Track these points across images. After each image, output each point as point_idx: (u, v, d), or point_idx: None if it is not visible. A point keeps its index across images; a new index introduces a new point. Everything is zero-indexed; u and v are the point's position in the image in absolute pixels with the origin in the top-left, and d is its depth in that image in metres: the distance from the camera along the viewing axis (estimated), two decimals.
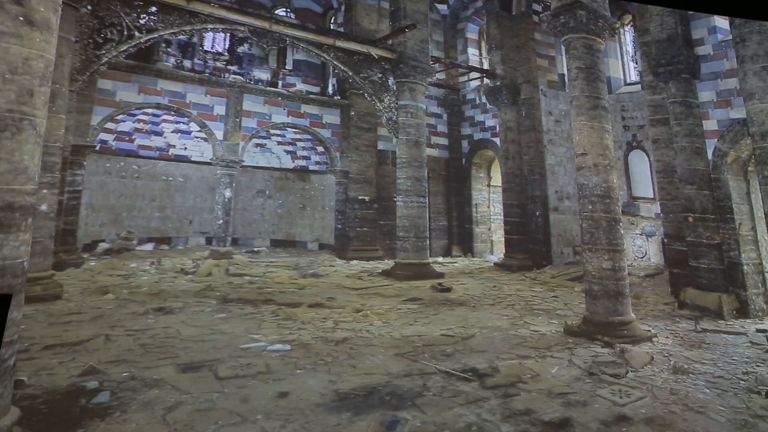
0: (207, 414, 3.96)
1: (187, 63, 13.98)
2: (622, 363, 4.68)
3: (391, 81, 10.81)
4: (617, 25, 6.25)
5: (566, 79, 12.17)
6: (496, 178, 14.85)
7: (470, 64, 14.08)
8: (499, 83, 11.99)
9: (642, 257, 10.52)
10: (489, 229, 15.14)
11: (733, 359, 4.84)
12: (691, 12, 7.33)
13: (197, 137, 14.37)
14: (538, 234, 11.55)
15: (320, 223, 16.12)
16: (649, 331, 5.69)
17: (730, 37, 7.07)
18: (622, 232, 5.73)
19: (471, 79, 14.43)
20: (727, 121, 6.81)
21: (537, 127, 11.71)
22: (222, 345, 5.79)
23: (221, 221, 12.69)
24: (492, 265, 12.91)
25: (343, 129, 13.96)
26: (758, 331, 5.81)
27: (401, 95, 10.64)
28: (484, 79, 13.51)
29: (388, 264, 12.17)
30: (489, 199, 14.96)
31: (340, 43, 10.30)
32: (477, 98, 14.26)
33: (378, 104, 10.74)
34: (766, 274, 6.71)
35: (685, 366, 4.52)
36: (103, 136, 11.68)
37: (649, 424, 3.49)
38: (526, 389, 4.27)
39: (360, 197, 13.93)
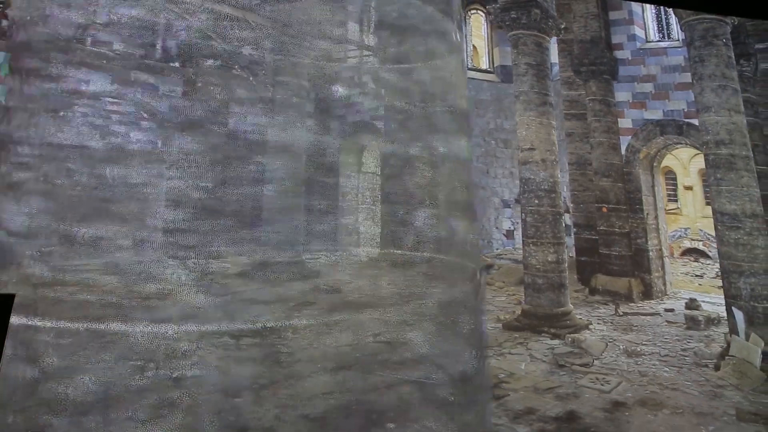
0: None
1: None
2: (581, 353, 5.56)
3: None
4: (563, 26, 7.24)
5: (464, 65, 13.20)
6: None
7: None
8: None
9: None
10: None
11: (666, 339, 6.13)
12: (612, 18, 8.85)
13: None
14: None
15: None
16: (582, 319, 6.79)
17: (648, 45, 8.78)
18: (564, 225, 6.72)
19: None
20: (641, 120, 8.43)
21: None
22: None
23: None
24: None
25: None
26: (666, 310, 7.40)
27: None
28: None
29: None
30: None
31: None
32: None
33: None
34: (665, 259, 8.54)
35: (638, 349, 5.60)
36: None
37: (644, 406, 4.30)
38: (512, 388, 4.80)
39: None
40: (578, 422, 4.11)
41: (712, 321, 6.57)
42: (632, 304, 7.78)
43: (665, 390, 4.57)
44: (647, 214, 8.25)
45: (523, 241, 6.84)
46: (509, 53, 13.17)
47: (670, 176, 13.82)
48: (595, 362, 5.31)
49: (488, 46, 12.85)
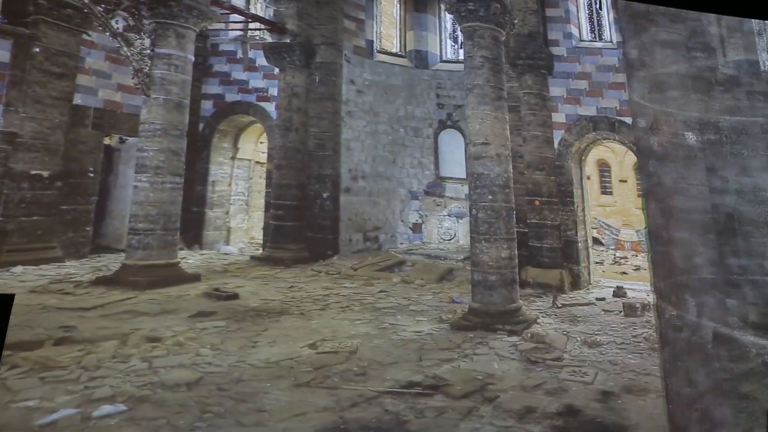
0: None
1: None
2: (547, 347, 6.23)
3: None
4: (516, 21, 7.87)
5: (374, 47, 13.42)
6: (245, 149, 14.95)
7: (241, 11, 13.61)
8: (289, 40, 12.19)
9: (450, 239, 12.84)
10: (227, 213, 15.13)
11: (612, 327, 7.10)
12: (549, 15, 9.85)
13: None
14: (324, 219, 12.48)
15: None
16: (529, 313, 7.54)
17: (584, 44, 9.92)
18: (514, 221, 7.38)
19: (230, 28, 13.99)
20: (575, 116, 9.50)
21: (336, 96, 12.51)
22: None
23: None
24: (249, 259, 13.14)
25: (16, 71, 11.48)
26: (598, 299, 8.48)
27: (163, 41, 9.75)
28: (249, 31, 13.40)
29: (79, 268, 11.04)
30: (232, 174, 14.95)
31: None
32: (239, 52, 13.98)
33: (125, 48, 9.52)
34: (590, 250, 9.72)
35: (595, 339, 6.42)
36: None
37: (630, 393, 5.05)
38: (499, 389, 5.26)
39: (34, 172, 11.84)
40: (581, 415, 4.68)
41: (645, 307, 7.77)
42: (564, 296, 8.83)
43: (640, 376, 5.40)
44: (577, 206, 9.40)
45: (472, 237, 7.39)
46: (425, 38, 13.86)
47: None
48: (565, 356, 6.01)
49: (401, 29, 13.31)
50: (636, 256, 14.95)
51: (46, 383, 5.44)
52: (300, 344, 6.89)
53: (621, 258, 14.63)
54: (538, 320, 7.42)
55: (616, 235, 15.67)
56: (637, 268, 13.33)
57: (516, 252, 7.45)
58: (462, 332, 6.98)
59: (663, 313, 3.00)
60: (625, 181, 17.31)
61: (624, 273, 12.47)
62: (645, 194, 3.15)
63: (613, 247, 15.50)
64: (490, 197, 7.28)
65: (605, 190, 17.47)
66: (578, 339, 6.58)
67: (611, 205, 16.84)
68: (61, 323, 7.48)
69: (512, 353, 6.16)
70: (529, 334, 6.58)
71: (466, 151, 12.55)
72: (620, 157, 17.26)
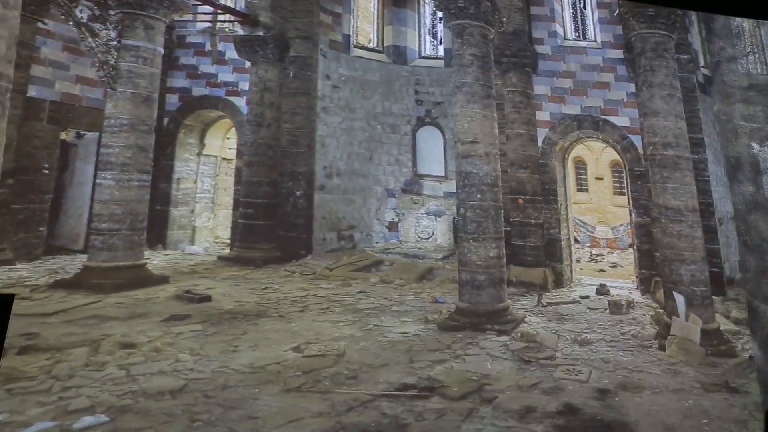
0: None
1: None
2: (538, 347, 6.34)
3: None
4: (504, 19, 7.99)
5: (351, 42, 13.32)
6: (212, 145, 14.68)
7: (211, 2, 13.31)
8: (263, 33, 12.02)
9: (428, 238, 12.88)
10: (192, 211, 14.84)
11: (600, 325, 7.27)
12: (534, 13, 10.03)
13: None
14: (297, 218, 12.36)
15: None
16: (517, 312, 7.66)
17: (568, 43, 10.11)
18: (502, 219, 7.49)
19: (198, 20, 13.67)
20: (559, 114, 9.70)
21: (311, 91, 12.39)
22: None
23: None
24: (216, 259, 12.94)
25: None
26: (582, 297, 8.67)
27: (131, 32, 9.49)
28: (219, 22, 13.15)
29: (33, 271, 10.72)
30: (197, 171, 14.66)
31: None
32: (207, 44, 13.69)
33: (89, 39, 9.21)
34: (572, 248, 9.92)
35: (586, 338, 6.57)
36: None
37: (626, 390, 5.21)
38: (496, 390, 5.34)
39: None
40: (581, 413, 4.79)
41: (630, 305, 8.01)
42: (548, 294, 9.00)
43: (633, 373, 5.57)
44: (560, 204, 9.62)
45: (460, 236, 7.47)
46: (403, 33, 13.87)
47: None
48: (558, 354, 6.13)
49: (378, 23, 13.29)
50: (611, 253, 15.42)
51: (14, 395, 5.24)
52: (283, 348, 6.82)
53: (597, 255, 15.05)
54: (526, 319, 7.56)
55: (592, 232, 16.15)
56: (614, 265, 13.73)
57: (504, 251, 7.57)
58: (450, 332, 7.04)
59: (758, 311, 3.24)
60: (601, 179, 17.88)
61: (602, 270, 12.83)
62: (749, 206, 3.29)
63: (588, 245, 15.95)
64: (478, 196, 7.38)
65: (581, 187, 18.03)
66: (568, 337, 6.74)
67: (587, 202, 17.40)
68: (22, 330, 7.21)
69: (504, 353, 6.25)
70: (519, 334, 6.69)
71: (445, 148, 12.70)
72: (596, 155, 17.79)
